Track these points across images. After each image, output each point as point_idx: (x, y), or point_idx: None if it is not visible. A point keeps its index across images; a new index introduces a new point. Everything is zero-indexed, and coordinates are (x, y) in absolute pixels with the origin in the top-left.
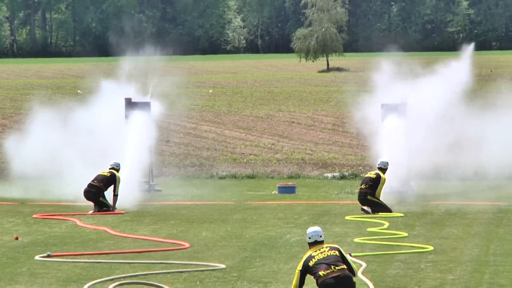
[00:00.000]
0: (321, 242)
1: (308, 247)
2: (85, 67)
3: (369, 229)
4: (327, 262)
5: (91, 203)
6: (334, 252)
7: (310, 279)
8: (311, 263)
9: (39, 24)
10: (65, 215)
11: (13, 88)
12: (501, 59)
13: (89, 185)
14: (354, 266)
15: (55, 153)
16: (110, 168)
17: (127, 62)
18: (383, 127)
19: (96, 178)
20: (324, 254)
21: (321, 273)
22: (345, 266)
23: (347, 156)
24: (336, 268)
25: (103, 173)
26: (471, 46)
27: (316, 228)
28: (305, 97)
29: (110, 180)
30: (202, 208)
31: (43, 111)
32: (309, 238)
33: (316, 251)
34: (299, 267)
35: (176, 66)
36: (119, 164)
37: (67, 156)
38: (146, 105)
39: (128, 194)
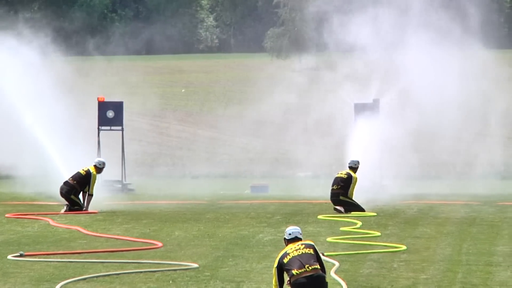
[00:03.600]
0: (300, 240)
1: (285, 244)
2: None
3: (342, 229)
4: (301, 261)
5: (65, 202)
6: (308, 250)
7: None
8: (285, 260)
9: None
10: (37, 214)
11: None
12: None
13: (64, 182)
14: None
15: None
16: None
17: (101, 62)
18: (355, 126)
19: (72, 176)
20: (299, 252)
21: (294, 271)
22: (318, 266)
23: (320, 155)
24: (310, 267)
25: (81, 171)
26: None
27: (297, 227)
28: (277, 96)
29: (85, 178)
30: (175, 207)
31: None
32: (289, 234)
33: (291, 249)
34: (275, 264)
35: (149, 65)
36: (102, 162)
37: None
38: (119, 104)
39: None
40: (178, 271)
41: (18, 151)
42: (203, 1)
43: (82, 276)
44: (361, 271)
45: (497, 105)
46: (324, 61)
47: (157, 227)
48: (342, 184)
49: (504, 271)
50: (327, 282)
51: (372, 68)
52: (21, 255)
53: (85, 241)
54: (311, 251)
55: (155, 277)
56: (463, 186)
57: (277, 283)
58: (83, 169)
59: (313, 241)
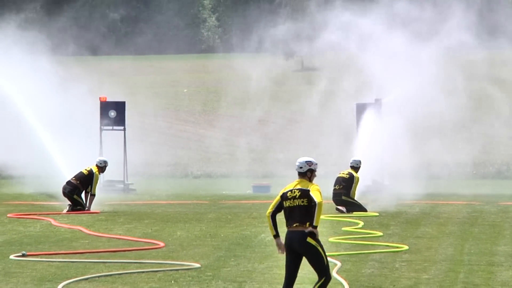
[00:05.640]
0: (303, 174)
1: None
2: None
3: (344, 229)
4: (290, 217)
5: (67, 202)
6: (302, 202)
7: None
8: (284, 203)
9: None
10: (39, 214)
11: None
12: None
13: (67, 182)
14: (317, 196)
15: None
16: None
17: (103, 61)
18: (357, 126)
19: (75, 175)
20: (293, 203)
21: (286, 226)
22: (300, 224)
23: (322, 155)
24: (293, 225)
25: (83, 171)
26: None
27: (301, 160)
28: (279, 96)
29: (88, 178)
30: (177, 207)
31: None
32: (296, 166)
33: (290, 192)
34: (280, 193)
35: (151, 65)
36: (104, 161)
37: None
38: (121, 104)
39: None
40: (180, 271)
41: (20, 151)
42: (205, 1)
43: (84, 276)
44: (363, 271)
45: (499, 105)
46: (326, 61)
47: (159, 227)
48: (344, 184)
49: (506, 271)
50: (306, 241)
51: (374, 68)
52: (23, 255)
53: (87, 241)
54: (305, 202)
55: (157, 277)
56: (464, 186)
57: (273, 210)
58: (85, 169)
59: (316, 185)
